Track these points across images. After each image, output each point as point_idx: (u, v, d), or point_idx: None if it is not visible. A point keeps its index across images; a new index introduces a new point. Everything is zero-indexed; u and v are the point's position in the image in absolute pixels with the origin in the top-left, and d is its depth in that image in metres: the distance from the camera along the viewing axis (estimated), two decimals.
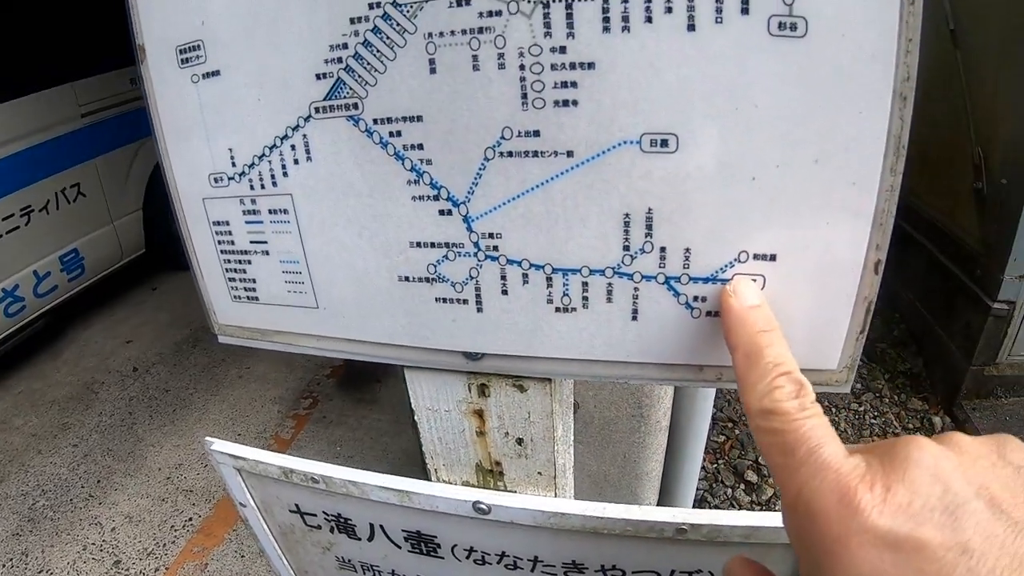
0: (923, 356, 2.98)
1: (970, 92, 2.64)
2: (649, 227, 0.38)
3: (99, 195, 3.59)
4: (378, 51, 0.38)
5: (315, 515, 0.61)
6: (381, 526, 0.57)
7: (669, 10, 0.34)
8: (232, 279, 0.52)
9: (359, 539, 0.60)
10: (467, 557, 0.55)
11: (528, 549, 0.52)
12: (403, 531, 0.56)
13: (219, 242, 0.50)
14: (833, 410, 2.75)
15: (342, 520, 0.60)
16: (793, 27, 0.33)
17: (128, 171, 3.75)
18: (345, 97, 0.40)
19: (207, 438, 0.66)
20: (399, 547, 0.58)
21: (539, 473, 0.53)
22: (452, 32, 0.37)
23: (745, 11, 0.33)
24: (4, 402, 3.29)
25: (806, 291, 0.38)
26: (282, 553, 0.68)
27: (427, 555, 0.57)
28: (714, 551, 0.47)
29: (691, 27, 0.34)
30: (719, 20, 0.34)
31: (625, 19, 0.34)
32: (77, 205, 3.47)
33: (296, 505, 0.62)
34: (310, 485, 0.57)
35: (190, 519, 2.43)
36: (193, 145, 0.48)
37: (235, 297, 0.52)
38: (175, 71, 0.47)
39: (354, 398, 2.89)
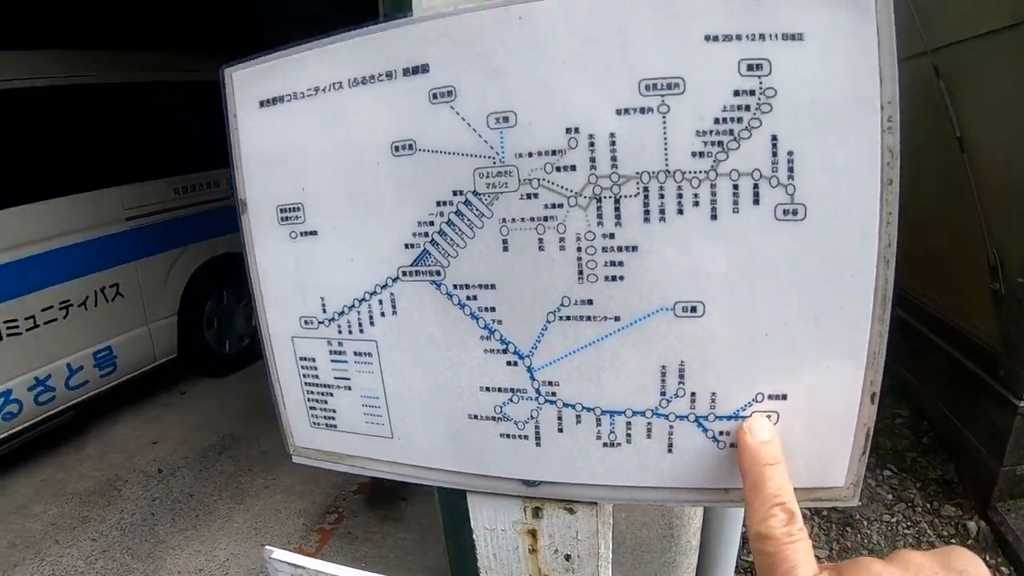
0: (954, 461, 2.96)
1: (980, 195, 2.74)
2: (682, 376, 0.46)
3: (137, 297, 3.75)
4: (459, 230, 0.47)
5: None
6: None
7: (696, 204, 0.43)
8: (313, 408, 0.59)
9: None
10: None
11: None
12: None
13: (304, 375, 0.58)
14: (865, 523, 2.72)
15: None
16: (795, 212, 0.42)
17: (167, 277, 3.93)
18: (429, 265, 0.49)
19: (267, 547, 0.71)
20: None
21: None
22: (522, 219, 0.46)
23: (756, 202, 0.42)
24: (26, 488, 3.32)
25: (813, 422, 0.45)
26: None
27: None
28: None
29: (714, 216, 0.43)
30: (736, 210, 0.42)
31: (661, 212, 0.43)
32: (115, 304, 3.63)
33: None
34: None
35: None
36: (287, 290, 0.57)
37: (314, 423, 0.60)
38: (275, 226, 0.56)
39: (380, 515, 2.90)
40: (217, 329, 4.38)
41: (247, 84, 0.54)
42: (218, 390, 4.28)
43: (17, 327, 3.23)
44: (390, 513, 2.88)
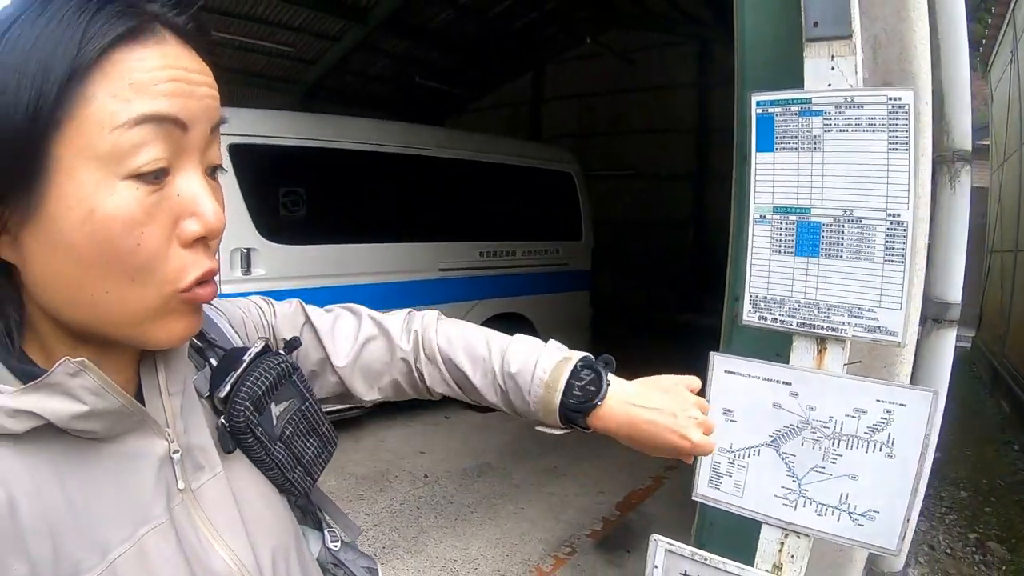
0: None
1: None
2: (847, 497, 1.56)
3: None
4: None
5: None
6: None
7: (864, 449, 1.53)
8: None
9: None
10: None
11: None
12: None
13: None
14: None
15: None
16: (892, 456, 1.49)
17: None
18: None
19: (655, 535, 1.86)
20: None
21: None
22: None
23: (879, 450, 1.50)
24: None
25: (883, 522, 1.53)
26: None
27: None
28: None
29: (866, 452, 1.52)
30: (873, 452, 1.51)
31: (849, 449, 1.54)
32: None
33: None
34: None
35: None
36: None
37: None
38: None
39: (604, 559, 3.76)
40: None
41: None
42: (478, 422, 5.59)
43: None
44: (613, 559, 3.76)
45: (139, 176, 0.57)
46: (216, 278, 0.65)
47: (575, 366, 0.89)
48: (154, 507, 0.65)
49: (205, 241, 0.63)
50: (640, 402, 0.87)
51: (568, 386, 0.87)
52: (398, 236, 5.16)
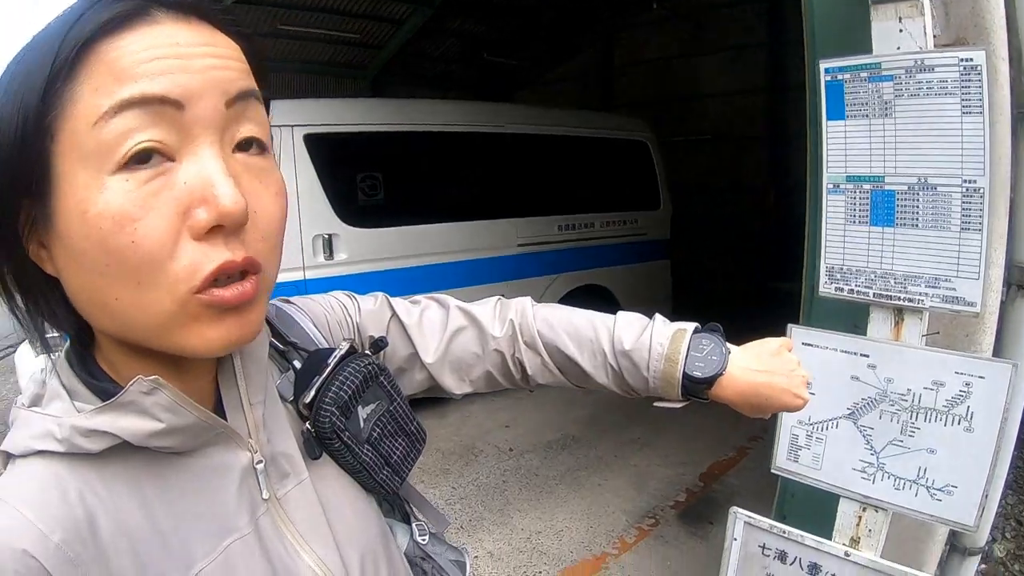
0: None
1: None
2: (926, 472, 1.54)
3: None
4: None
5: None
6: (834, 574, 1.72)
7: (942, 423, 1.51)
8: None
9: None
10: None
11: None
12: None
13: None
14: None
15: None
16: (970, 429, 1.46)
17: (541, 297, 5.46)
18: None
19: (734, 508, 1.87)
20: None
21: None
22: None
23: (958, 424, 1.47)
24: None
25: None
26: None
27: None
28: None
29: (945, 425, 1.49)
30: (952, 425, 1.49)
31: (927, 423, 1.52)
32: None
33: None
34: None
35: (539, 573, 3.40)
36: None
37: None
38: None
39: (688, 530, 3.77)
40: None
41: None
42: (562, 396, 5.59)
43: None
44: (697, 531, 3.76)
45: (127, 167, 0.52)
46: (262, 273, 0.58)
47: (691, 337, 0.87)
48: (238, 519, 0.64)
49: (224, 231, 0.54)
50: (759, 367, 0.86)
51: (689, 357, 0.85)
52: (475, 214, 5.21)
